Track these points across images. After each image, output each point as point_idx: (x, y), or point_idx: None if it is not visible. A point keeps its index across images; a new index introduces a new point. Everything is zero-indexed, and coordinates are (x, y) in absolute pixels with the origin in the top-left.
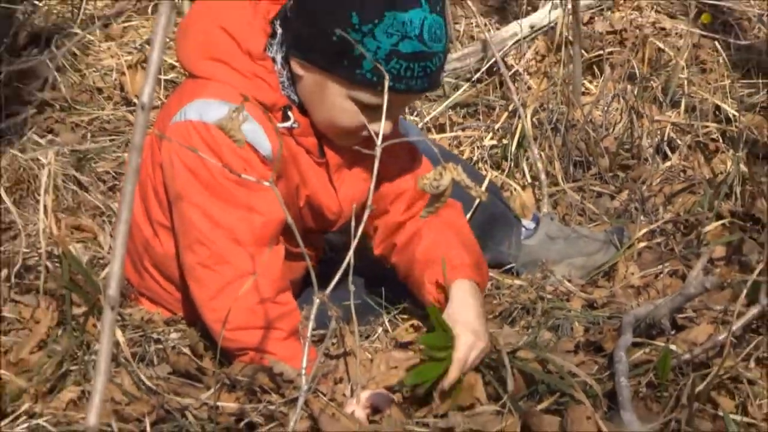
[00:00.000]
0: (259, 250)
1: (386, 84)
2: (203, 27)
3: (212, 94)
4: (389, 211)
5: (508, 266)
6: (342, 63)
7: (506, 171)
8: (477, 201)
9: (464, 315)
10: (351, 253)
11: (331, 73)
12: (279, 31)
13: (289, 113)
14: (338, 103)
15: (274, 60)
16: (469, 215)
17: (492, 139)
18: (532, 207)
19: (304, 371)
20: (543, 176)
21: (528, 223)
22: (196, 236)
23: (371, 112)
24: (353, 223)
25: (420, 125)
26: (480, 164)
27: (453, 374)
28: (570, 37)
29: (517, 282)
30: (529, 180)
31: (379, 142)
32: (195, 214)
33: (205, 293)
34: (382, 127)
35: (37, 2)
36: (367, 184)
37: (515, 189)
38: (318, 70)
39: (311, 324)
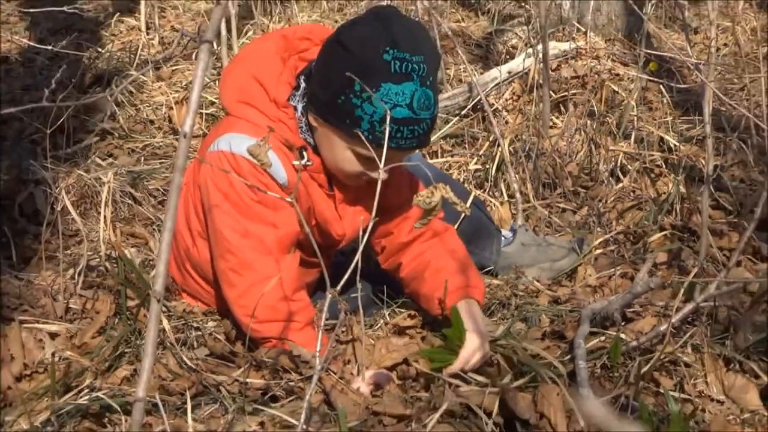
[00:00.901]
0: (278, 257)
1: (386, 136)
2: (240, 74)
3: (240, 130)
4: (393, 233)
5: (489, 269)
6: (345, 122)
7: (487, 190)
8: (463, 214)
9: (473, 325)
10: (358, 255)
11: (336, 129)
12: (302, 84)
13: (305, 153)
14: (341, 153)
15: (295, 108)
16: (456, 225)
17: (476, 164)
18: (509, 220)
19: (318, 354)
20: (518, 195)
21: (506, 233)
22: (226, 246)
23: (370, 161)
24: (360, 233)
25: (417, 151)
26: (466, 184)
27: (456, 367)
28: (540, 81)
29: (495, 282)
30: (506, 198)
31: (379, 186)
32: (225, 227)
33: (235, 293)
34: (381, 179)
35: (100, 49)
36: (368, 214)
37: (495, 205)
38: (327, 125)
39: (324, 315)
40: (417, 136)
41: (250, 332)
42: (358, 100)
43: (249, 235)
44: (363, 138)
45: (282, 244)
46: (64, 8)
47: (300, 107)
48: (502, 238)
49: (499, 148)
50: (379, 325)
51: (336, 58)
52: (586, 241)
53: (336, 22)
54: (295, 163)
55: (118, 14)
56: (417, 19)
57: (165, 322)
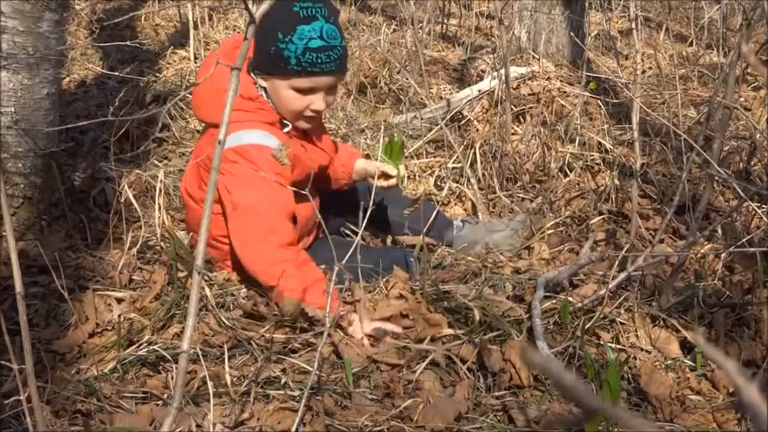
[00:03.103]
0: (280, 218)
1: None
2: (215, 90)
3: (235, 128)
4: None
5: (447, 243)
6: (279, 65)
7: (463, 183)
8: (436, 210)
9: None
10: (358, 239)
11: (275, 75)
12: (253, 74)
13: (285, 122)
14: (285, 94)
15: (261, 94)
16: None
17: (453, 163)
18: (471, 211)
19: (328, 313)
20: (477, 188)
21: (458, 223)
22: (240, 212)
23: (309, 93)
24: (360, 221)
25: (408, 152)
26: (445, 180)
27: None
28: (503, 97)
29: (470, 258)
30: (477, 189)
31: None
32: (237, 195)
33: (241, 248)
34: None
35: (158, 74)
36: (327, 142)
37: (467, 195)
38: (270, 76)
39: (333, 283)
40: (334, 60)
41: (261, 280)
42: (282, 45)
43: (262, 201)
44: (295, 72)
45: (281, 207)
46: (129, 43)
47: (264, 93)
48: (455, 228)
49: (472, 150)
50: (376, 290)
51: (263, 25)
52: (526, 221)
53: None
54: (285, 130)
55: (172, 47)
56: (407, 49)
57: (207, 289)
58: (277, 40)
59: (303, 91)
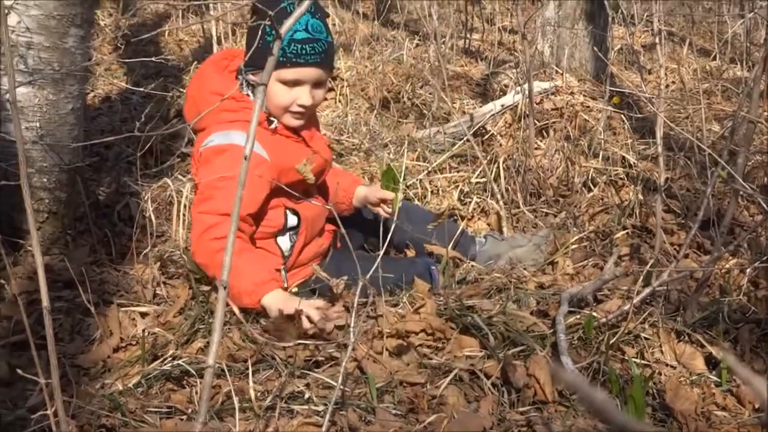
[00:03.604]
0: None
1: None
2: (201, 96)
3: (219, 129)
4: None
5: (471, 257)
6: (265, 57)
7: (486, 198)
8: (461, 228)
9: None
10: (382, 252)
11: (263, 68)
12: (240, 77)
13: (272, 118)
14: (272, 87)
15: (248, 94)
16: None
17: (477, 177)
18: (495, 225)
19: (353, 329)
20: (501, 202)
21: (480, 239)
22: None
23: (295, 86)
24: (380, 240)
25: (430, 168)
26: (469, 195)
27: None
28: (527, 112)
29: (495, 273)
30: (503, 204)
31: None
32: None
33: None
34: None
35: (181, 89)
36: (322, 146)
37: (492, 209)
38: (259, 71)
39: (357, 297)
40: (318, 53)
41: (209, 273)
42: (269, 37)
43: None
44: (281, 63)
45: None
46: (153, 58)
47: (249, 91)
48: (477, 243)
49: (495, 165)
50: (401, 305)
51: (254, 23)
52: (549, 236)
53: (366, 67)
54: (271, 126)
55: (195, 62)
56: (430, 64)
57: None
58: (265, 33)
59: (289, 84)
